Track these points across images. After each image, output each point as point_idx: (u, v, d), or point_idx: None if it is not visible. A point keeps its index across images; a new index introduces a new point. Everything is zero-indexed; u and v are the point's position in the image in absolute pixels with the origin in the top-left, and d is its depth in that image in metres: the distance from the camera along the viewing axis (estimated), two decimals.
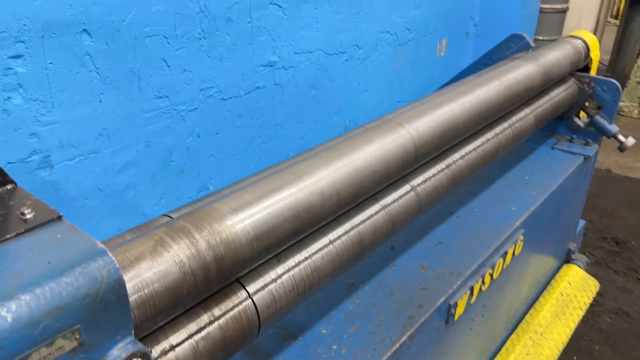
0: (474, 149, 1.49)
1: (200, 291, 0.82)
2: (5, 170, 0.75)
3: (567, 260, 2.40)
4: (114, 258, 0.55)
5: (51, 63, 1.59)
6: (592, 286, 2.28)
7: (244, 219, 0.88)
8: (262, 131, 2.45)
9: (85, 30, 1.64)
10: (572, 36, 2.08)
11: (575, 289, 2.20)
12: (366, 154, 1.10)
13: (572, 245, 2.40)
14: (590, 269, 2.49)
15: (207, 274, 0.81)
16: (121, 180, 1.87)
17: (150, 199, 2.01)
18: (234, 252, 0.85)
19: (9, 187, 0.63)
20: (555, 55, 1.88)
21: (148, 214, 2.02)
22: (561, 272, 2.29)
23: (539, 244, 1.91)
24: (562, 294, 2.15)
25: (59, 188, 1.70)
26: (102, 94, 1.73)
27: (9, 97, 1.53)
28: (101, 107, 1.74)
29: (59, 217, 0.58)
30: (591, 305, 2.24)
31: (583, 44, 2.05)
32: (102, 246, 0.54)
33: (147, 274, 0.74)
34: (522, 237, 1.61)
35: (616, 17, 7.00)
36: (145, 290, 0.74)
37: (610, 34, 5.61)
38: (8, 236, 0.55)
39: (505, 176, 1.87)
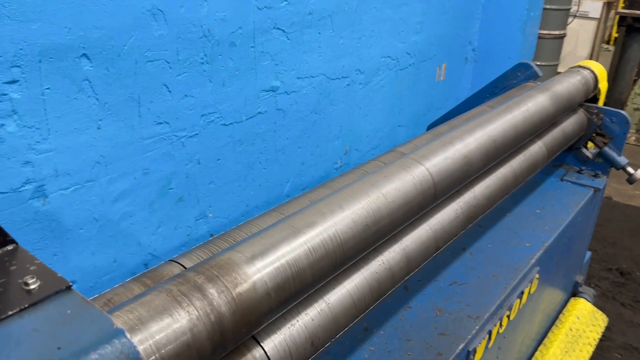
0: (492, 183, 1.44)
1: (215, 353, 0.74)
2: None
3: (574, 293, 2.34)
4: (132, 340, 0.48)
5: (48, 88, 1.52)
6: (601, 320, 2.22)
7: (261, 269, 0.81)
8: (263, 157, 2.39)
9: (84, 54, 1.58)
10: (581, 66, 2.06)
11: (584, 324, 2.14)
12: (386, 194, 1.04)
13: (579, 278, 2.35)
14: (597, 302, 2.44)
15: (222, 333, 0.73)
16: (117, 209, 1.79)
17: (147, 229, 1.93)
18: (251, 307, 0.77)
19: (9, 247, 0.55)
20: (565, 86, 1.85)
21: (144, 244, 1.94)
22: (569, 305, 2.24)
23: (551, 280, 1.85)
24: (571, 329, 2.09)
25: (52, 219, 1.61)
26: (100, 120, 1.66)
27: (2, 124, 1.45)
28: (99, 133, 1.67)
29: (68, 287, 0.51)
30: (600, 340, 2.18)
31: (592, 74, 2.02)
32: (119, 325, 0.47)
33: (158, 336, 0.67)
34: (537, 275, 1.55)
35: (608, 42, 7.07)
36: (157, 355, 0.67)
37: (604, 59, 5.66)
38: (10, 313, 0.47)
39: (516, 209, 1.81)
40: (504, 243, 1.62)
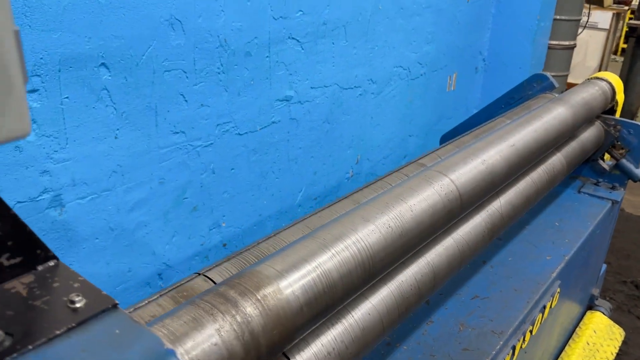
0: (514, 196, 1.42)
1: None
2: (15, 210, 0.66)
3: (590, 306, 2.31)
4: None
5: (67, 98, 1.52)
6: (618, 334, 2.19)
7: (293, 283, 0.79)
8: (276, 166, 2.38)
9: (103, 64, 1.58)
10: (598, 78, 2.04)
11: (601, 338, 2.11)
12: (412, 207, 1.02)
13: (595, 291, 2.32)
14: (613, 315, 2.41)
15: (257, 349, 0.72)
16: (133, 218, 1.79)
17: (161, 238, 1.92)
18: (285, 322, 0.76)
19: (51, 263, 0.54)
20: (584, 98, 1.84)
21: (158, 253, 1.93)
22: (585, 319, 2.21)
23: (570, 293, 1.83)
24: (588, 343, 2.07)
25: (69, 228, 1.61)
26: (118, 129, 1.65)
27: None
28: (116, 143, 1.66)
29: (114, 305, 0.50)
30: (617, 354, 2.15)
31: (609, 85, 2.01)
32: (169, 345, 0.46)
33: (194, 352, 0.66)
34: (558, 289, 1.53)
35: (615, 53, 7.05)
36: None
37: (613, 70, 5.66)
38: (57, 332, 0.46)
39: (535, 221, 1.80)
40: (524, 256, 1.60)
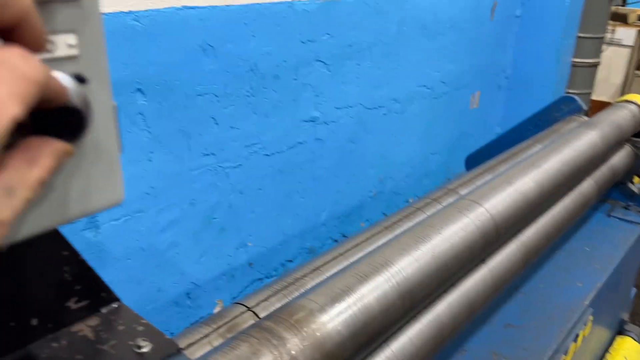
0: (546, 222, 1.42)
1: None
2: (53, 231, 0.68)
3: (620, 331, 2.28)
4: None
5: None
6: None
7: (335, 317, 0.81)
8: (301, 186, 2.40)
9: (139, 89, 1.62)
10: (627, 101, 2.03)
11: None
12: (449, 238, 1.03)
13: (625, 315, 2.28)
14: None
15: None
16: (164, 239, 1.81)
17: (190, 258, 1.94)
18: (330, 357, 0.77)
19: (114, 305, 0.56)
20: (614, 122, 1.83)
21: (187, 273, 1.95)
22: (615, 344, 2.17)
23: (602, 320, 1.80)
24: None
25: (103, 249, 1.64)
26: (151, 152, 1.69)
27: None
28: (150, 165, 1.70)
29: (179, 350, 0.51)
30: None
31: (638, 108, 1.99)
32: None
33: None
34: (591, 317, 1.52)
35: (637, 68, 6.97)
36: None
37: (638, 87, 5.60)
38: None
39: (565, 246, 1.78)
40: (556, 283, 1.59)
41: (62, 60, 0.38)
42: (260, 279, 2.28)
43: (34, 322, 0.52)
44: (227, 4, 1.76)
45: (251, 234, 2.19)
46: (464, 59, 3.31)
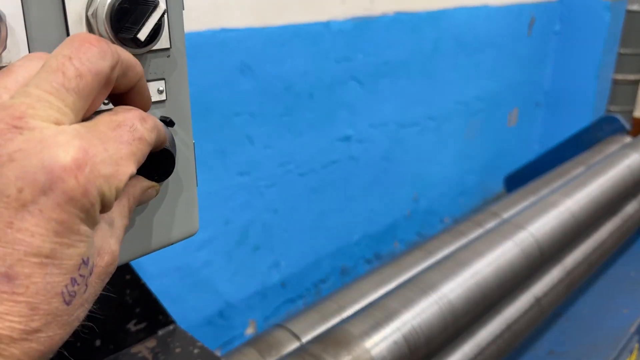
0: (590, 247, 1.37)
1: None
2: None
3: None
4: None
5: None
6: None
7: (379, 342, 0.79)
8: (334, 205, 2.39)
9: None
10: None
11: None
12: (493, 262, 1.00)
13: None
14: None
15: None
16: (199, 258, 1.83)
17: (223, 276, 1.95)
18: None
19: (170, 327, 0.57)
20: None
21: (220, 292, 1.96)
22: None
23: None
24: None
25: (140, 267, 1.65)
26: None
27: None
28: None
29: None
30: None
31: None
32: None
33: None
34: (637, 345, 1.45)
35: None
36: None
37: None
38: None
39: (609, 271, 1.71)
40: (600, 309, 1.52)
41: (153, 104, 0.41)
42: (292, 299, 2.26)
43: (97, 343, 0.54)
44: (264, 25, 1.79)
45: (284, 253, 2.19)
46: (501, 76, 3.26)
